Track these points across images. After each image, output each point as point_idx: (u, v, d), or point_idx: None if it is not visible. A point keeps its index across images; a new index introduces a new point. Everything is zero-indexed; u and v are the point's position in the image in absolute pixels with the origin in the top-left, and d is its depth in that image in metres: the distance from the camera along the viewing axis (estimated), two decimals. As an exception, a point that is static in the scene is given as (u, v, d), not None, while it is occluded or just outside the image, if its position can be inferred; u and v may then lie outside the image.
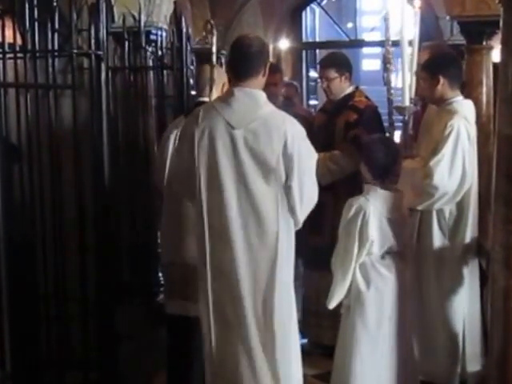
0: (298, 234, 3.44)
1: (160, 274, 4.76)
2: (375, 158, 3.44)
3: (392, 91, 3.93)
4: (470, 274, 3.87)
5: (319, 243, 4.58)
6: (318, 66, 5.04)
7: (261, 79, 3.15)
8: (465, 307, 3.85)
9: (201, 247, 3.09)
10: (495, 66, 4.89)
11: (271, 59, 5.84)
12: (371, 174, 3.45)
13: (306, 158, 3.14)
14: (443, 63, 3.89)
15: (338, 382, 3.49)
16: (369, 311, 3.38)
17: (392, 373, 3.41)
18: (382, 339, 3.39)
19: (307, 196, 3.13)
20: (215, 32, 3.49)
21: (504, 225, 2.80)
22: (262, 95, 3.13)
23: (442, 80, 3.82)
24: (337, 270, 3.40)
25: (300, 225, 3.19)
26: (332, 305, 3.42)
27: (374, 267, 3.39)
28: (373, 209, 3.36)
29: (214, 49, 3.50)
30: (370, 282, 3.38)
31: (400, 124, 4.04)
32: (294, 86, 6.98)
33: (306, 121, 4.42)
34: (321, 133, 4.73)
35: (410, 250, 3.55)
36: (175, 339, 3.64)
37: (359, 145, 4.42)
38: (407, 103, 3.76)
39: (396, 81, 4.04)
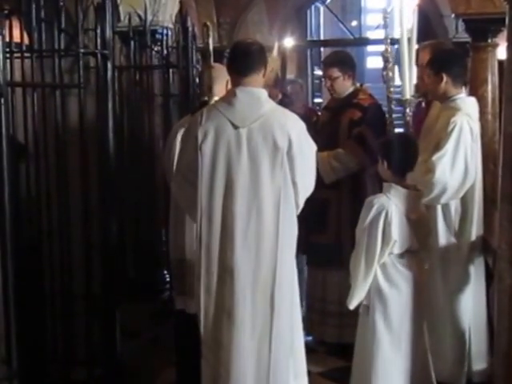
0: (302, 231, 3.45)
1: (165, 272, 4.78)
2: (395, 154, 3.41)
3: (392, 89, 3.93)
4: (476, 272, 3.87)
5: (324, 241, 4.59)
6: (322, 65, 5.04)
7: (261, 78, 3.21)
8: (471, 305, 3.85)
9: (202, 243, 3.11)
10: (500, 63, 4.88)
11: (275, 56, 5.85)
12: (392, 170, 3.42)
13: (309, 152, 3.21)
14: (447, 61, 3.90)
15: (359, 382, 3.49)
16: (391, 311, 3.35)
17: (412, 371, 3.40)
18: (404, 338, 3.38)
19: (309, 187, 3.23)
20: (211, 34, 3.52)
21: (510, 223, 2.80)
22: (264, 93, 3.19)
23: (445, 78, 3.83)
24: (357, 270, 3.35)
25: (299, 211, 3.25)
26: (353, 305, 3.39)
27: (395, 266, 3.36)
28: (394, 208, 3.33)
29: (211, 49, 3.52)
30: (392, 281, 3.36)
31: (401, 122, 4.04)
32: (299, 84, 6.99)
33: (304, 119, 4.43)
34: (325, 131, 4.73)
35: (426, 249, 3.54)
36: (184, 335, 3.66)
37: (363, 143, 4.42)
38: (408, 96, 3.76)
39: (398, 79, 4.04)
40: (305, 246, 4.67)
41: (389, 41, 3.95)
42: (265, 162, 3.07)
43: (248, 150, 3.07)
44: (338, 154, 4.51)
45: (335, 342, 4.56)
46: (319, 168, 4.26)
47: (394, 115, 4.02)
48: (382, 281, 3.36)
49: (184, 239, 3.58)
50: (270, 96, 3.61)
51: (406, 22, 3.71)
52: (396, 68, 3.99)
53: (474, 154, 3.79)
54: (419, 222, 3.41)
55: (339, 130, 4.60)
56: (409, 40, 3.71)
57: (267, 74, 3.34)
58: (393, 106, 3.98)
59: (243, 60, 3.16)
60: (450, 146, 3.70)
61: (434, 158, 3.69)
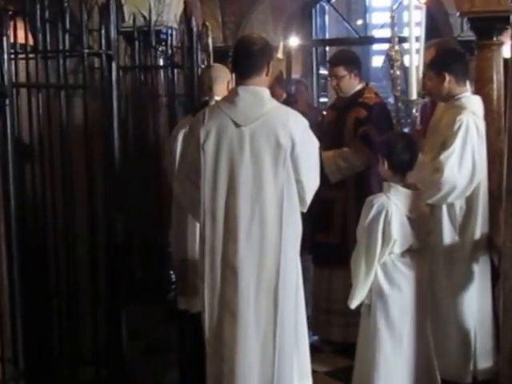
0: (308, 230, 3.44)
1: (171, 272, 4.78)
2: (396, 153, 3.41)
3: (398, 88, 3.93)
4: (481, 271, 3.87)
5: (329, 241, 4.58)
6: (328, 64, 5.04)
7: (264, 77, 3.19)
8: (476, 304, 3.85)
9: (206, 242, 3.12)
10: (506, 61, 4.87)
11: (280, 56, 5.84)
12: (392, 170, 3.42)
13: (312, 150, 3.21)
14: (447, 60, 3.91)
15: (361, 381, 3.49)
16: (392, 310, 3.35)
17: (414, 370, 3.40)
18: (406, 337, 3.37)
19: (315, 183, 3.22)
20: (210, 33, 3.51)
21: (515, 221, 2.80)
22: (266, 92, 3.18)
23: (447, 77, 3.84)
24: (358, 270, 3.36)
25: (307, 208, 3.25)
26: (354, 304, 3.40)
27: (396, 266, 3.37)
28: (394, 208, 3.33)
29: (211, 49, 3.52)
30: (392, 280, 3.36)
31: (408, 120, 4.04)
32: (304, 84, 6.99)
33: (309, 118, 4.44)
34: (330, 129, 4.74)
35: (428, 248, 3.53)
36: (187, 335, 3.66)
37: (369, 141, 4.42)
38: (414, 96, 3.75)
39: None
40: (310, 246, 4.67)
41: (396, 39, 3.95)
42: (267, 160, 3.07)
43: (250, 149, 3.07)
44: (344, 153, 4.51)
45: (341, 341, 4.56)
46: (325, 167, 4.28)
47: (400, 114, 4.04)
48: (383, 280, 3.36)
49: (186, 239, 3.58)
50: (275, 96, 3.63)
51: (413, 21, 3.72)
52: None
53: (480, 152, 3.79)
54: (420, 221, 3.41)
55: (345, 128, 4.60)
56: (418, 39, 3.72)
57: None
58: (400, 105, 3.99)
59: (245, 62, 3.15)
60: (457, 144, 3.70)
61: (442, 157, 3.69)
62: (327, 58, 10.85)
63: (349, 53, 5.07)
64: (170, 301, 4.53)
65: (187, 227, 3.56)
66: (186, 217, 3.51)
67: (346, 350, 4.32)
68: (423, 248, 3.45)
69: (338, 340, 4.60)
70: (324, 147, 4.35)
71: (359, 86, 4.67)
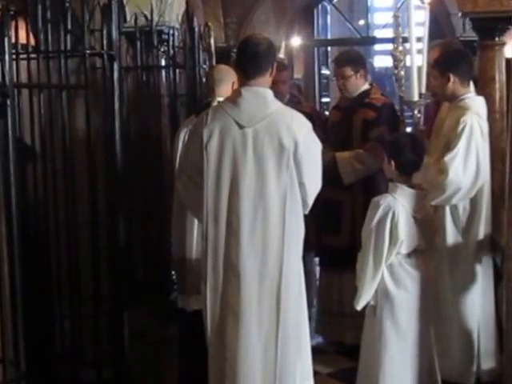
0: (316, 233, 3.41)
1: (173, 272, 4.78)
2: (404, 153, 3.40)
3: (403, 88, 3.92)
4: (484, 271, 3.86)
5: (338, 243, 4.53)
6: (333, 64, 5.01)
7: (268, 78, 3.19)
8: (479, 304, 3.84)
9: (208, 243, 3.11)
10: (508, 61, 4.87)
11: (282, 57, 5.83)
12: (398, 170, 3.41)
13: (316, 152, 3.19)
14: (453, 60, 3.90)
15: (366, 382, 3.48)
16: (398, 311, 3.35)
17: (417, 370, 3.39)
18: (411, 338, 3.37)
19: (317, 185, 3.21)
20: (212, 34, 3.50)
21: (518, 221, 2.79)
22: (270, 93, 3.17)
23: (452, 77, 3.83)
24: (365, 271, 3.35)
25: (308, 210, 3.23)
26: (360, 306, 3.38)
27: (402, 266, 3.36)
28: (401, 208, 3.32)
29: (213, 49, 3.51)
30: (399, 281, 3.35)
31: (411, 121, 4.04)
32: (297, 86, 6.98)
33: (311, 118, 4.43)
34: (336, 130, 4.70)
35: (433, 248, 3.53)
36: (188, 334, 3.66)
37: (384, 144, 4.39)
38: (416, 98, 3.75)
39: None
40: (318, 248, 4.64)
41: (400, 39, 3.94)
42: (270, 162, 3.06)
43: (254, 150, 3.07)
44: (361, 155, 4.44)
45: (354, 343, 4.52)
46: (339, 169, 4.26)
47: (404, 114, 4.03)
48: (389, 281, 3.35)
49: (185, 238, 3.59)
50: (280, 93, 3.60)
51: (414, 21, 3.71)
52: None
53: (484, 153, 3.78)
54: (425, 222, 3.41)
55: (352, 129, 4.56)
56: (419, 40, 3.71)
57: None
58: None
59: (250, 63, 3.13)
60: (461, 146, 3.69)
61: (447, 158, 3.68)
62: (329, 58, 10.85)
63: (354, 52, 5.03)
64: (172, 301, 4.53)
65: (186, 226, 3.57)
66: (185, 215, 3.52)
67: (349, 351, 4.32)
68: (429, 248, 3.44)
69: (352, 342, 4.53)
70: (330, 148, 4.33)
71: (365, 86, 4.62)
